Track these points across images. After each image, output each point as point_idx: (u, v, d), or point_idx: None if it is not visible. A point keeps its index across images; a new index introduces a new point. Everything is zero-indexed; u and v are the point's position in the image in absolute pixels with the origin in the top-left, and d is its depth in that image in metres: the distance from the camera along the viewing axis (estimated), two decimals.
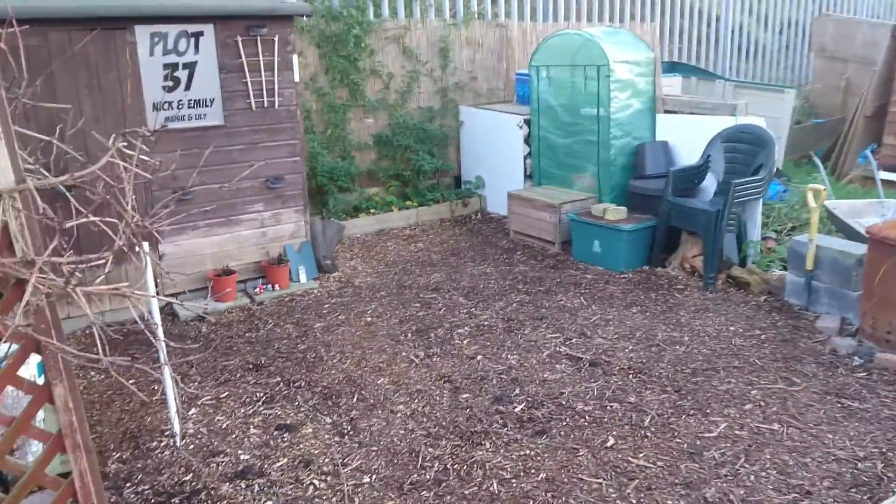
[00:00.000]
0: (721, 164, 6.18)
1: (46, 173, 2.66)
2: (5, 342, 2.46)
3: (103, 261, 2.77)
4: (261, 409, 3.98)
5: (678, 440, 3.55)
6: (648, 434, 3.60)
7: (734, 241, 5.94)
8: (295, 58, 5.80)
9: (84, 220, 2.56)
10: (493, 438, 3.60)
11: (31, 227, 2.47)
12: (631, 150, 6.78)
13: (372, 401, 4.02)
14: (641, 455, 3.43)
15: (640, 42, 6.98)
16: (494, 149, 7.95)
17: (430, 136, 8.13)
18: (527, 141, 7.57)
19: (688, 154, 6.56)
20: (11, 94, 2.57)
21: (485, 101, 8.59)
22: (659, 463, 3.36)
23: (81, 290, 2.60)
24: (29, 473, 2.59)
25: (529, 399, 3.98)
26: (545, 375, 4.26)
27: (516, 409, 3.87)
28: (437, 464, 3.40)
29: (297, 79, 5.85)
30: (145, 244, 2.90)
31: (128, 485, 3.34)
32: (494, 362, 4.45)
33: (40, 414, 2.66)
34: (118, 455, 3.58)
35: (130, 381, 4.25)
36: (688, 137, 6.59)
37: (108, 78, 5.06)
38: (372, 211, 7.68)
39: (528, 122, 7.52)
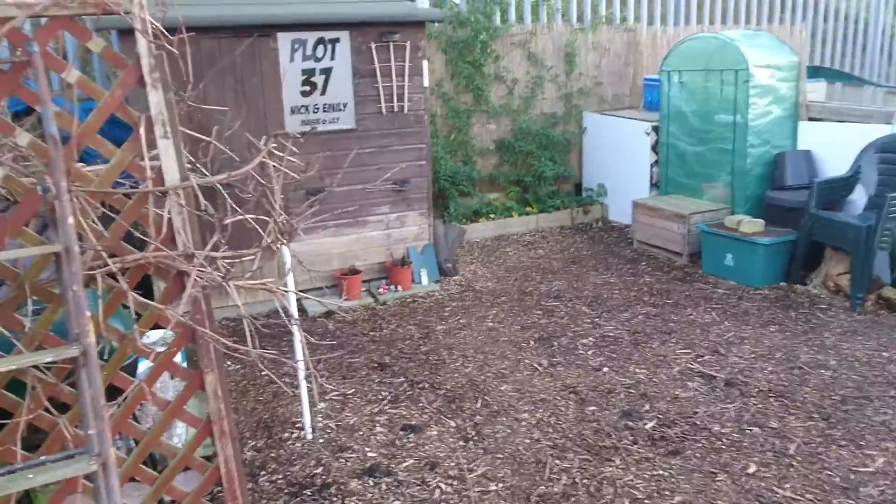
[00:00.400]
0: (873, 175, 5.70)
1: (206, 172, 2.81)
2: (168, 330, 2.61)
3: (252, 257, 2.89)
4: (386, 408, 4.03)
5: (829, 472, 3.27)
6: (794, 463, 3.35)
7: (886, 259, 5.45)
8: (425, 63, 5.88)
9: (241, 217, 2.69)
10: (623, 455, 3.46)
11: (192, 223, 2.62)
12: (769, 160, 6.39)
13: (496, 407, 3.98)
14: (787, 486, 3.19)
15: (783, 45, 6.58)
16: (619, 156, 7.74)
17: (553, 143, 8.03)
18: (654, 148, 7.31)
19: (834, 164, 6.11)
20: (178, 97, 2.73)
21: (609, 107, 8.39)
22: (808, 496, 3.11)
23: (234, 283, 2.73)
24: (180, 456, 2.73)
25: (660, 416, 3.80)
26: (676, 392, 4.06)
27: (647, 426, 3.71)
28: (564, 477, 3.31)
29: (426, 84, 5.93)
30: (290, 242, 2.99)
31: (262, 473, 3.46)
32: (621, 375, 4.30)
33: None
34: (253, 444, 3.73)
35: (262, 373, 4.43)
36: (834, 147, 6.13)
37: (251, 83, 5.32)
38: (492, 216, 7.66)
39: (655, 129, 7.26)
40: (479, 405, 4.02)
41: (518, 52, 7.90)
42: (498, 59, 7.78)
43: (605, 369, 4.39)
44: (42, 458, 2.28)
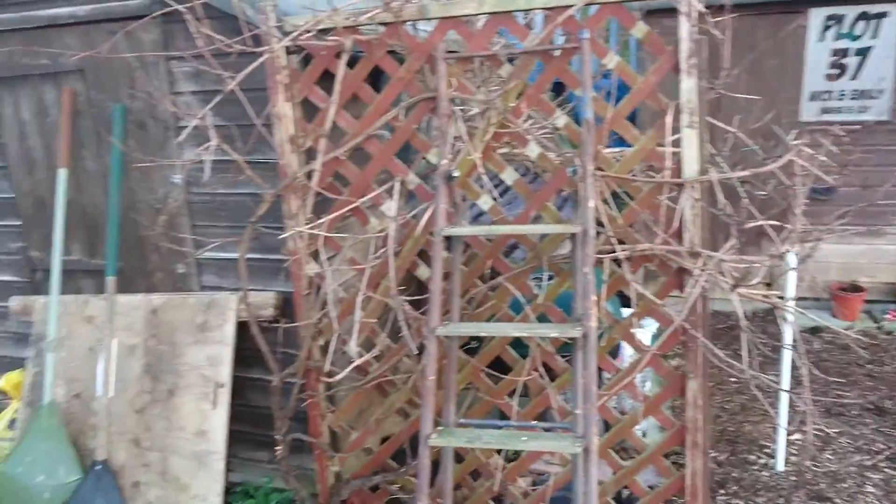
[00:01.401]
0: None
1: (724, 166, 2.60)
2: (660, 328, 2.53)
3: (760, 265, 2.59)
4: (881, 464, 3.33)
5: None
6: None
7: None
8: None
9: (761, 222, 2.42)
10: None
11: (703, 220, 2.45)
12: None
13: None
14: None
15: None
16: None
17: None
18: None
19: None
20: (709, 84, 2.56)
21: None
22: None
23: (738, 291, 2.49)
24: (649, 453, 2.66)
25: None
26: None
27: None
28: None
29: None
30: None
31: (721, 491, 3.21)
32: None
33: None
34: (713, 455, 3.48)
35: (731, 379, 4.12)
36: None
37: (769, 65, 4.86)
38: None
39: None
40: None
41: None
42: None
43: None
44: (533, 422, 2.45)
